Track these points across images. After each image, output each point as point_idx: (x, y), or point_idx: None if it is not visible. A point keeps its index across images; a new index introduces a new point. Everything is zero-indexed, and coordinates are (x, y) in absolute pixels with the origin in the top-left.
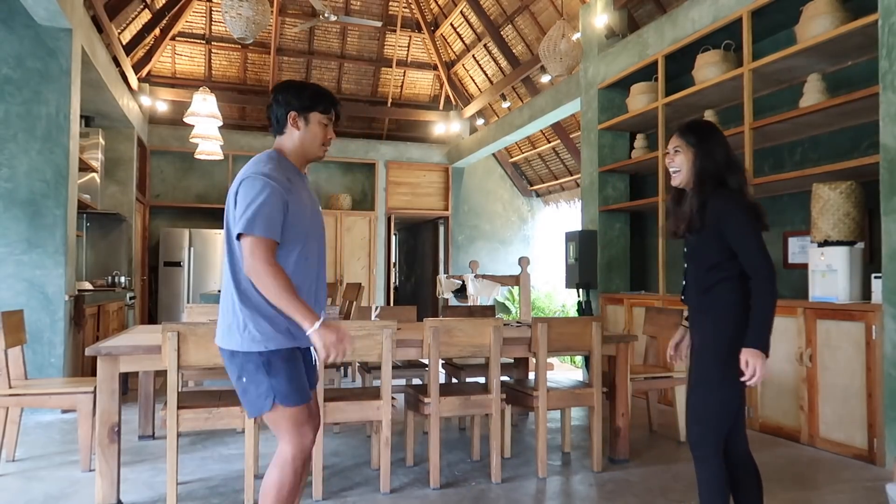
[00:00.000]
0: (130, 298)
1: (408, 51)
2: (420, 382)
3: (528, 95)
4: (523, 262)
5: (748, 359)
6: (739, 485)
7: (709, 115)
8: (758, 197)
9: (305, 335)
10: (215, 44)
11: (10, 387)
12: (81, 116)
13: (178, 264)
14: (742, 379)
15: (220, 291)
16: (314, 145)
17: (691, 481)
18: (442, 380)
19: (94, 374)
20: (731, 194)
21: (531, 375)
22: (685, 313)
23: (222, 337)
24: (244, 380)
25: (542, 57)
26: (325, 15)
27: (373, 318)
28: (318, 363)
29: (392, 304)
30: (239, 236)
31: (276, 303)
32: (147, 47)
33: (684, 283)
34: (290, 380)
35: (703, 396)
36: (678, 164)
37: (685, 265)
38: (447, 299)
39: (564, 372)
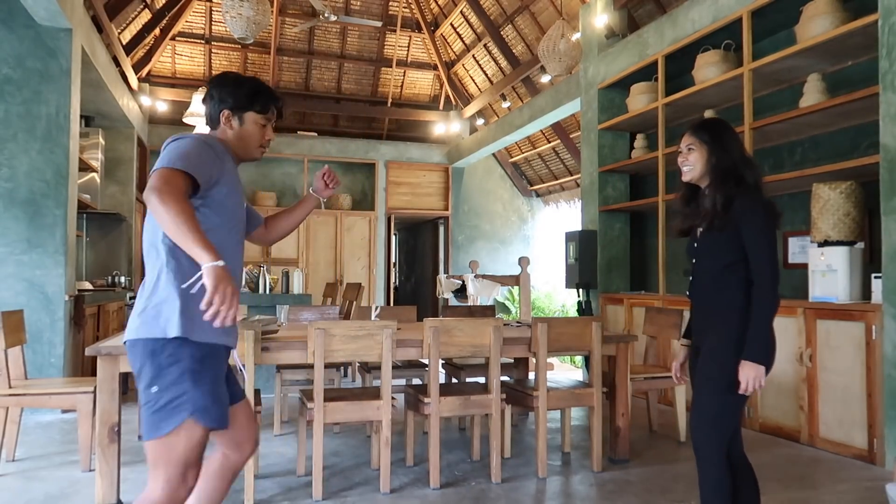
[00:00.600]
0: (130, 298)
1: (408, 51)
2: (420, 382)
3: (528, 95)
4: (523, 262)
5: (746, 372)
6: (737, 486)
7: (709, 116)
8: None
9: (233, 335)
10: (215, 44)
11: (10, 387)
12: (81, 116)
13: None
14: (740, 391)
15: None
16: (249, 146)
17: (691, 481)
18: (442, 380)
19: (94, 374)
20: (754, 193)
21: (531, 375)
22: (682, 333)
23: (136, 327)
24: (157, 387)
25: (542, 57)
26: (325, 15)
27: (373, 318)
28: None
29: (392, 304)
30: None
31: (174, 231)
32: (147, 47)
33: (691, 279)
34: (215, 390)
35: (712, 398)
36: (692, 162)
37: (692, 261)
38: (447, 299)
39: (564, 372)
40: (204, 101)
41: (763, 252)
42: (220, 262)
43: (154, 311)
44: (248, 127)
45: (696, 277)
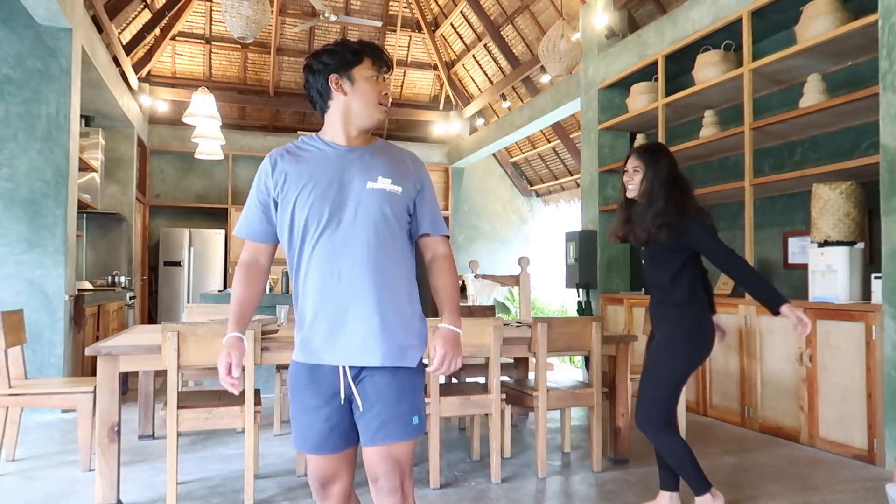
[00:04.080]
0: (130, 298)
1: (408, 51)
2: None
3: (528, 95)
4: (523, 262)
5: (793, 312)
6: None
7: (709, 116)
8: (758, 197)
9: (331, 352)
10: (215, 44)
11: (10, 386)
12: (81, 116)
13: (178, 264)
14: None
15: (220, 291)
16: (367, 107)
17: None
18: (442, 380)
19: (94, 373)
20: (683, 214)
21: (531, 375)
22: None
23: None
24: None
25: (542, 57)
26: (325, 15)
27: None
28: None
29: None
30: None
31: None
32: (147, 47)
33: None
34: (295, 412)
35: (662, 382)
36: (636, 182)
37: (645, 265)
38: None
39: (564, 372)
40: (305, 85)
41: (720, 254)
42: (226, 337)
43: None
44: (361, 85)
45: (650, 280)
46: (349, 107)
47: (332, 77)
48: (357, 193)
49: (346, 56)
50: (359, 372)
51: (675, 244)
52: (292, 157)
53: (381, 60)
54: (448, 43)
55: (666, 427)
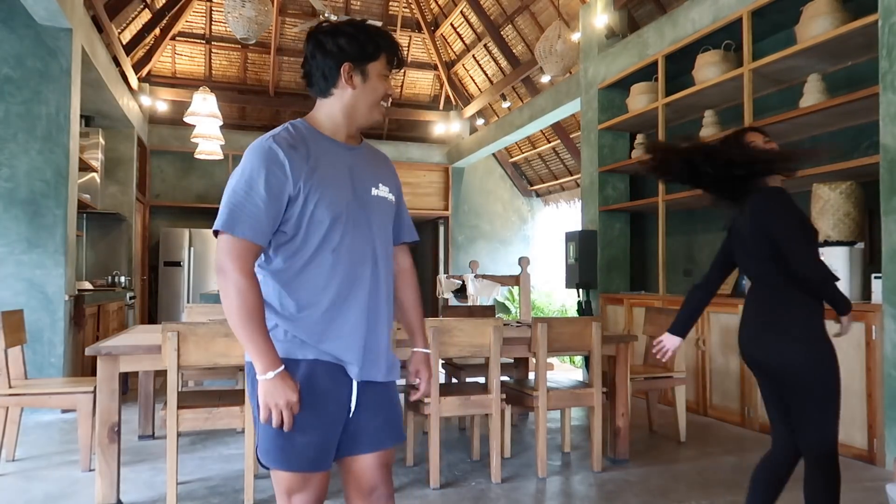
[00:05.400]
0: (130, 298)
1: (408, 51)
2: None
3: (528, 95)
4: (523, 262)
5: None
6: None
7: (709, 116)
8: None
9: (346, 350)
10: (215, 44)
11: (10, 386)
12: (81, 116)
13: (178, 264)
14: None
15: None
16: (371, 106)
17: (691, 481)
18: (442, 380)
19: (94, 373)
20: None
21: (531, 375)
22: None
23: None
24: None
25: (539, 57)
26: (325, 15)
27: None
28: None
29: None
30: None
31: (232, 328)
32: (147, 47)
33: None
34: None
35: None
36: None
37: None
38: (447, 299)
39: (564, 372)
40: (306, 61)
41: (791, 243)
42: (271, 373)
43: None
44: (373, 82)
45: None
46: (354, 104)
47: (346, 66)
48: (369, 198)
49: (366, 48)
50: (367, 382)
51: (754, 228)
52: (300, 150)
53: (397, 59)
54: (448, 43)
55: (831, 458)
